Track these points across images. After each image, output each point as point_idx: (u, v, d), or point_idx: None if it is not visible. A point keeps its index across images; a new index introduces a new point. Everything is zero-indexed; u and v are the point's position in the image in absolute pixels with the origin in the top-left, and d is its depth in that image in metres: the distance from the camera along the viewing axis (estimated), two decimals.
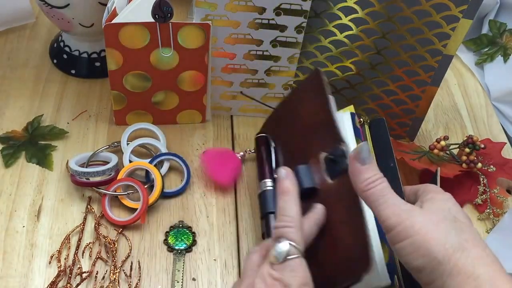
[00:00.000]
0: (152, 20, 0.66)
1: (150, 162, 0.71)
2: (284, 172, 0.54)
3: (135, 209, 0.67)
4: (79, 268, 0.63)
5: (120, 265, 0.63)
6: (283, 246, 0.47)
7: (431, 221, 0.47)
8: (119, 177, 0.69)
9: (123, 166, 0.71)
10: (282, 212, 0.50)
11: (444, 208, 0.49)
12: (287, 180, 0.53)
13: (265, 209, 0.62)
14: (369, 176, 0.48)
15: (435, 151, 0.73)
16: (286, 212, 0.50)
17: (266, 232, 0.61)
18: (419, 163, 0.72)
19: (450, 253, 0.45)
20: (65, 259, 0.63)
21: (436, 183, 0.57)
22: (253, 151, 0.73)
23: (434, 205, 0.49)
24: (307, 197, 0.55)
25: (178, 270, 0.63)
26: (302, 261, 0.48)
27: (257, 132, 0.72)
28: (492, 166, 0.73)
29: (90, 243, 0.65)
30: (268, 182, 0.63)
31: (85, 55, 0.83)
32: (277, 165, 0.65)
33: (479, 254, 0.45)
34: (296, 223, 0.49)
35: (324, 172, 0.56)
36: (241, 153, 0.74)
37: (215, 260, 0.65)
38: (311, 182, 0.57)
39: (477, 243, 0.46)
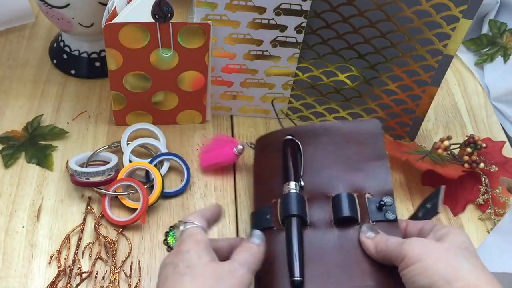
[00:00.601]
0: (152, 20, 0.65)
1: (150, 162, 0.71)
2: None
3: (135, 209, 0.67)
4: (79, 268, 0.63)
5: (120, 265, 0.63)
6: (182, 225, 0.53)
7: (444, 248, 0.50)
8: (119, 177, 0.69)
9: (123, 166, 0.71)
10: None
11: (458, 240, 0.51)
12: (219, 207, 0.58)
13: (288, 211, 0.59)
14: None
15: (439, 150, 0.73)
16: (201, 210, 0.56)
17: (286, 234, 0.58)
18: (424, 164, 0.72)
19: (460, 274, 0.47)
20: (65, 259, 0.63)
21: (438, 201, 0.57)
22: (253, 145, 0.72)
23: (449, 238, 0.51)
24: (345, 225, 0.58)
25: None
26: (198, 229, 0.52)
27: (285, 133, 0.69)
28: (494, 166, 0.73)
29: (90, 243, 0.65)
30: (292, 184, 0.61)
31: (85, 55, 0.83)
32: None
33: (488, 277, 0.48)
34: (199, 213, 0.55)
35: (367, 211, 0.58)
36: (240, 147, 0.71)
37: None
38: (353, 212, 0.58)
39: (484, 269, 0.49)
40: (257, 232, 0.55)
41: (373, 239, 0.55)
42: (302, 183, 0.62)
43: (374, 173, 0.61)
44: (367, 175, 0.61)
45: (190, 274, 0.47)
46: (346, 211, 0.58)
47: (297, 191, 0.61)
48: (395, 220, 0.57)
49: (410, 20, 0.67)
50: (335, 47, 0.72)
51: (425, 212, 0.58)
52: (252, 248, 0.53)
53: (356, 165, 0.63)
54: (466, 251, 0.50)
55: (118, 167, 0.70)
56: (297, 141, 0.66)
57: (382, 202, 0.58)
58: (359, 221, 0.58)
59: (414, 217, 0.60)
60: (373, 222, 0.58)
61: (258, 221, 0.62)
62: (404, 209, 0.72)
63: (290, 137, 0.66)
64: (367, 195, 0.60)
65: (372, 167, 0.62)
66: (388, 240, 0.54)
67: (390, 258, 0.52)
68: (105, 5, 0.70)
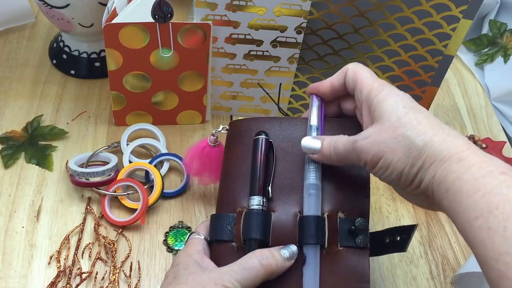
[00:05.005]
0: (152, 20, 0.65)
1: (150, 163, 0.71)
2: None
3: (135, 210, 0.67)
4: (78, 268, 0.63)
5: (119, 266, 0.63)
6: (188, 234, 0.57)
7: (389, 131, 0.48)
8: (119, 177, 0.69)
9: (123, 167, 0.71)
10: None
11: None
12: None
13: (250, 234, 0.52)
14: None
15: None
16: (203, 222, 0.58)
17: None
18: None
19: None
20: (64, 259, 0.63)
21: (408, 240, 0.52)
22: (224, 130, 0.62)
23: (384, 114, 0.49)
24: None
25: None
26: (198, 239, 0.55)
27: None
28: None
29: (89, 243, 0.65)
30: (257, 200, 0.53)
31: (84, 55, 0.83)
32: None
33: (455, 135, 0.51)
34: (203, 225, 0.57)
35: (336, 234, 0.52)
36: (212, 137, 0.65)
37: None
38: (319, 239, 0.51)
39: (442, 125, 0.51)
40: (293, 249, 0.51)
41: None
42: (271, 194, 0.54)
43: (350, 187, 0.54)
44: (342, 188, 0.54)
45: (174, 283, 0.49)
46: (312, 239, 0.51)
47: (263, 208, 0.53)
48: (365, 247, 0.52)
49: (411, 20, 0.67)
50: (335, 48, 0.72)
51: (392, 241, 0.53)
52: (255, 267, 0.49)
53: (331, 172, 0.54)
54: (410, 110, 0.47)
55: (118, 168, 0.70)
56: (270, 140, 0.56)
57: (353, 228, 0.51)
58: (326, 246, 0.51)
59: (380, 240, 0.54)
60: (341, 247, 0.51)
61: (218, 229, 0.54)
62: (404, 210, 0.72)
63: (263, 135, 0.56)
64: (339, 215, 0.53)
65: (348, 178, 0.54)
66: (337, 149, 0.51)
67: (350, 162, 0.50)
68: (105, 5, 0.70)
